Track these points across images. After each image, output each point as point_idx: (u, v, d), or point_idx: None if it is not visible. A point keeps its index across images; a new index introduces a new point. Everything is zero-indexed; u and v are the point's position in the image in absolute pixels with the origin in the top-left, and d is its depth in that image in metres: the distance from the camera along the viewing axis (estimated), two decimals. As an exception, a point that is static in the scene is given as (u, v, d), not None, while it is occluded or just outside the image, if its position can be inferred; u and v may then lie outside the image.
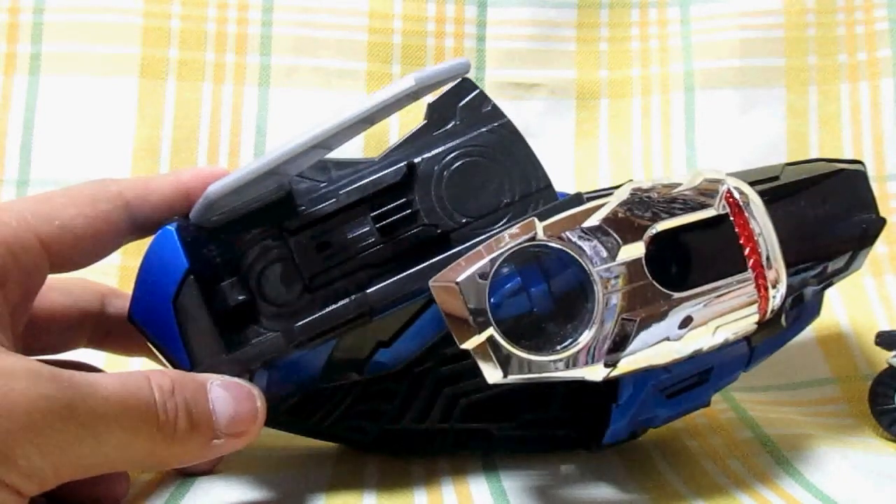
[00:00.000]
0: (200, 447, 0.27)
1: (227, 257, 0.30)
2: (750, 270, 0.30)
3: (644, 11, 0.51)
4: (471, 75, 0.50)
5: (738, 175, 0.31)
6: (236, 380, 0.28)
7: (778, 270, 0.30)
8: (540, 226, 0.28)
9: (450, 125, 0.32)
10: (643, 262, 0.29)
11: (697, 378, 0.33)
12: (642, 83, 0.51)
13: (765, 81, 0.50)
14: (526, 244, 0.28)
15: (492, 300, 0.27)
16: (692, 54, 0.50)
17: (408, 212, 0.30)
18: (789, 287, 0.31)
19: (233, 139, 0.49)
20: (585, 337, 0.28)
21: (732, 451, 0.36)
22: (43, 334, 0.32)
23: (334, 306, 0.30)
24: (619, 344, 0.28)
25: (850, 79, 0.50)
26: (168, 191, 0.31)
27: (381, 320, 0.30)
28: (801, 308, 0.35)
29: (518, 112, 0.50)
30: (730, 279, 0.29)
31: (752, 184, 0.31)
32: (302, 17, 0.49)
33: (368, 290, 0.30)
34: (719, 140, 0.50)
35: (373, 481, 0.33)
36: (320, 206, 0.31)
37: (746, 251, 0.30)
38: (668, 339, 0.29)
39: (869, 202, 0.36)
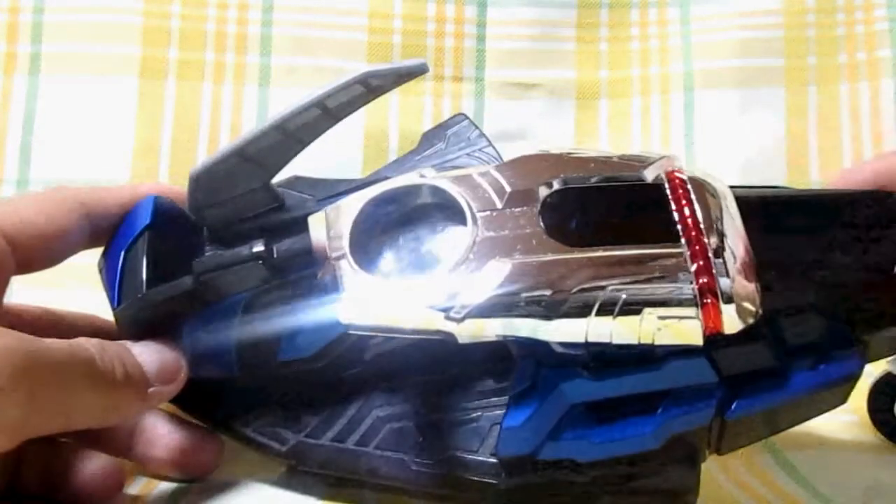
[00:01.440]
0: (140, 395, 0.28)
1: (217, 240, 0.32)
2: (684, 244, 0.25)
3: (644, 11, 0.51)
4: (471, 75, 0.51)
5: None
6: (150, 341, 0.30)
7: (738, 257, 0.25)
8: (434, 173, 0.28)
9: (435, 148, 0.33)
10: (536, 209, 0.26)
11: (643, 403, 0.26)
12: (642, 83, 0.51)
13: (765, 81, 0.50)
14: (404, 183, 0.28)
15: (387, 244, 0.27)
16: (692, 54, 0.50)
17: None
18: (800, 319, 0.26)
19: (233, 139, 0.48)
20: (438, 274, 0.25)
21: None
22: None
23: (236, 249, 0.30)
24: (479, 291, 0.24)
25: (850, 79, 0.50)
26: (126, 199, 0.32)
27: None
28: (825, 358, 0.27)
29: (518, 112, 0.50)
30: (654, 248, 0.25)
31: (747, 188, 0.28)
32: (302, 17, 0.49)
33: (274, 244, 0.30)
34: (719, 140, 0.50)
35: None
36: (305, 215, 0.31)
37: (689, 234, 0.25)
38: (553, 311, 0.24)
39: None
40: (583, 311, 0.25)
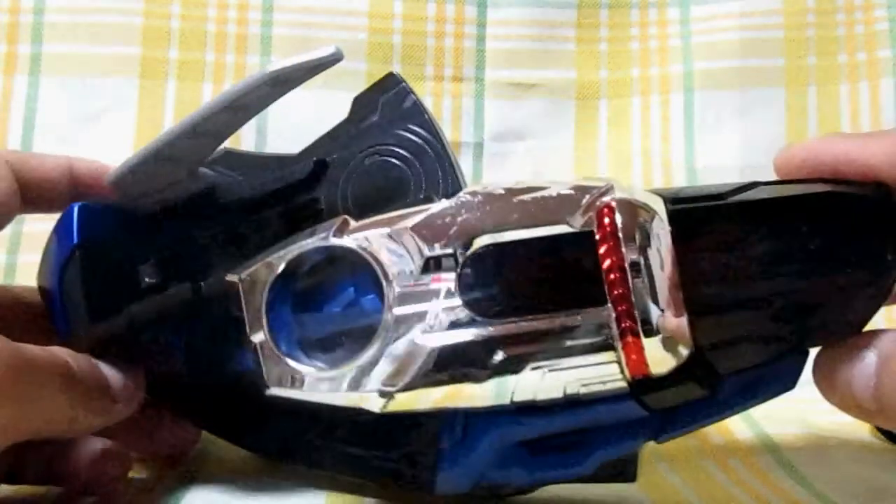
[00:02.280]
0: (107, 408, 0.28)
1: (144, 242, 0.30)
2: (610, 306, 0.24)
3: (644, 12, 0.51)
4: (471, 75, 0.51)
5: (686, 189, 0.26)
6: (113, 359, 0.29)
7: (663, 312, 0.23)
8: (353, 225, 0.26)
9: (369, 121, 0.31)
10: (456, 278, 0.25)
11: (573, 437, 0.27)
12: (642, 83, 0.51)
13: (765, 81, 0.50)
14: (316, 245, 0.26)
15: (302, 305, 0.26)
16: (692, 55, 0.50)
17: (312, 209, 0.30)
18: (739, 339, 0.25)
19: (232, 139, 0.48)
20: (363, 356, 0.25)
21: (733, 451, 0.36)
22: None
23: (167, 292, 0.29)
24: (401, 371, 0.24)
25: (850, 79, 0.50)
26: (64, 168, 0.32)
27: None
28: (761, 374, 0.26)
29: (518, 112, 0.50)
30: (576, 315, 0.24)
31: (694, 199, 0.25)
32: (302, 18, 0.49)
33: (204, 282, 0.29)
34: (719, 140, 0.50)
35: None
36: (235, 199, 0.31)
37: (610, 277, 0.23)
38: (474, 378, 0.24)
39: (881, 241, 0.25)
40: (505, 380, 0.25)
